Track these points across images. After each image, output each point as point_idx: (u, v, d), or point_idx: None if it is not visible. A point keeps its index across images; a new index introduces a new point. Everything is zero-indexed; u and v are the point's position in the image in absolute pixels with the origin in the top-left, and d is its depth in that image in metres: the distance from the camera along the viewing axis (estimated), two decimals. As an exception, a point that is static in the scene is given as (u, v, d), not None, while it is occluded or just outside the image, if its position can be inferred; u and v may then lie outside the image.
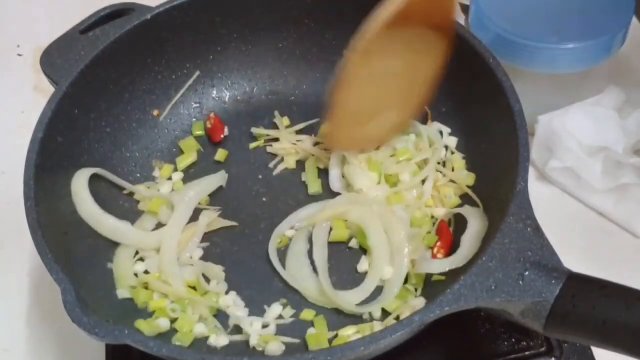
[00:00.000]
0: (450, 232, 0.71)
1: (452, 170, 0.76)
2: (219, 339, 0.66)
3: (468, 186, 0.74)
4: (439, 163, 0.77)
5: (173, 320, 0.67)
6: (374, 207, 0.72)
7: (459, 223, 0.71)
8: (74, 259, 0.65)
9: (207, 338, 0.67)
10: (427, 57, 0.71)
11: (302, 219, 0.74)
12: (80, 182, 0.71)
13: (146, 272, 0.71)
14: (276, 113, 0.83)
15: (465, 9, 0.98)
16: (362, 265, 0.72)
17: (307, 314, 0.68)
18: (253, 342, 0.66)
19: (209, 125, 0.83)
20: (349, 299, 0.68)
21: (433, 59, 0.71)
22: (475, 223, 0.67)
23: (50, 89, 0.72)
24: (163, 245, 0.71)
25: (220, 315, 0.69)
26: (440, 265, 0.66)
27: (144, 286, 0.70)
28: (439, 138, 0.77)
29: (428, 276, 0.68)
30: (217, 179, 0.78)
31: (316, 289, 0.69)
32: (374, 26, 0.64)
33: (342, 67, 0.67)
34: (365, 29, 0.64)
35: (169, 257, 0.71)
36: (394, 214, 0.71)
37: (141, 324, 0.65)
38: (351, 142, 0.76)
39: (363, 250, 0.73)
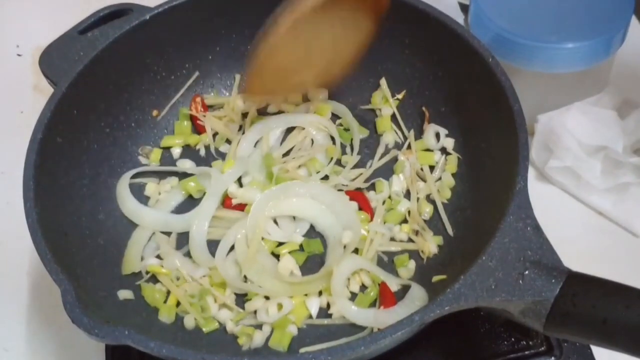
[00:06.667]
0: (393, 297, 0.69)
1: (444, 172, 0.77)
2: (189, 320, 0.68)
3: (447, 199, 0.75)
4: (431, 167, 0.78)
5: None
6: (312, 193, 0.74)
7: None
8: (74, 259, 0.65)
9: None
10: (354, 32, 0.74)
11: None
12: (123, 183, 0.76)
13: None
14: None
15: (465, 8, 0.98)
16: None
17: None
18: (229, 328, 0.68)
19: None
20: (315, 286, 0.69)
21: (360, 34, 0.74)
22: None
23: (50, 89, 0.72)
24: (192, 226, 0.73)
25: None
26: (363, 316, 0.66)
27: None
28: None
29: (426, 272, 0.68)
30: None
31: (280, 283, 0.69)
32: (303, 8, 0.66)
33: (269, 31, 0.68)
34: (295, 8, 0.67)
35: (199, 239, 0.73)
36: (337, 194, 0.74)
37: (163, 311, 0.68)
38: (265, 92, 0.77)
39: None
